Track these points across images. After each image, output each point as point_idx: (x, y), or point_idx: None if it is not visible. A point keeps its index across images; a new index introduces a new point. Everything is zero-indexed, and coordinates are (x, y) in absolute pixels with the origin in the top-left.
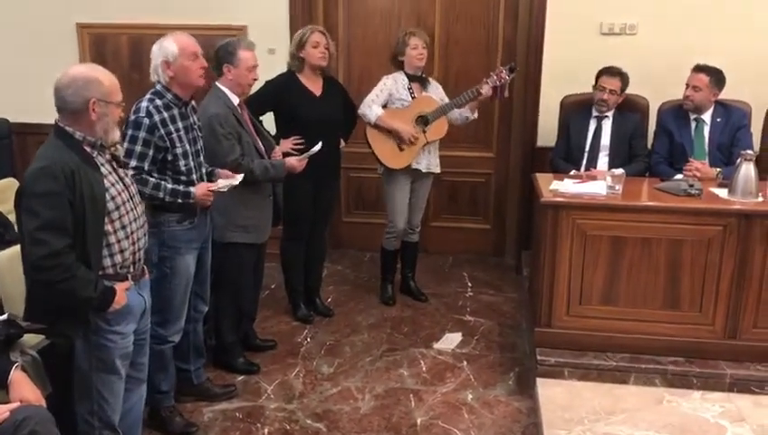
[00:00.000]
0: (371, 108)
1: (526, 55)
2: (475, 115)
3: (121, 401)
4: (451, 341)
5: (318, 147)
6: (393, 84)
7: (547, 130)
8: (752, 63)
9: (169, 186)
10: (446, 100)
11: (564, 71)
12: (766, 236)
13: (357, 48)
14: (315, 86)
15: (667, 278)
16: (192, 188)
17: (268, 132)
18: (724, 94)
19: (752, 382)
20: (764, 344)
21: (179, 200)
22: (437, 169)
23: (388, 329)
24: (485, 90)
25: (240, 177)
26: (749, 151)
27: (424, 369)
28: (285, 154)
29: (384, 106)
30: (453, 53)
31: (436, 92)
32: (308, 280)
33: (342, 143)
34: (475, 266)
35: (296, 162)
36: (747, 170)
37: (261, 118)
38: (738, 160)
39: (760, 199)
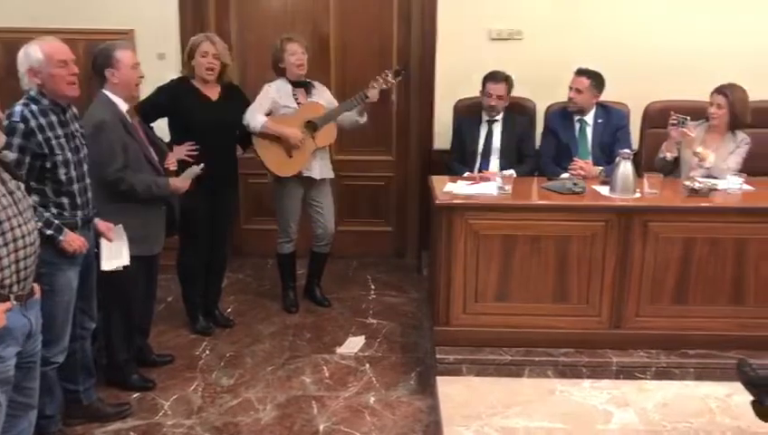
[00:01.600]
0: (255, 116)
1: (420, 60)
2: (365, 119)
3: (2, 428)
4: (354, 344)
5: (198, 168)
6: (276, 92)
7: (443, 133)
8: (629, 67)
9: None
10: (335, 104)
11: (457, 75)
12: (644, 229)
13: (251, 55)
14: (211, 91)
15: (556, 273)
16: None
17: (161, 140)
18: (605, 96)
19: (635, 369)
20: (646, 332)
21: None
22: (331, 175)
23: (291, 336)
24: (372, 94)
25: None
26: (626, 151)
27: (327, 375)
28: (180, 161)
29: (269, 114)
30: (348, 58)
31: (323, 97)
32: (207, 291)
33: (240, 151)
34: (378, 269)
35: (180, 183)
36: (626, 168)
37: (152, 125)
38: (617, 159)
39: (638, 195)
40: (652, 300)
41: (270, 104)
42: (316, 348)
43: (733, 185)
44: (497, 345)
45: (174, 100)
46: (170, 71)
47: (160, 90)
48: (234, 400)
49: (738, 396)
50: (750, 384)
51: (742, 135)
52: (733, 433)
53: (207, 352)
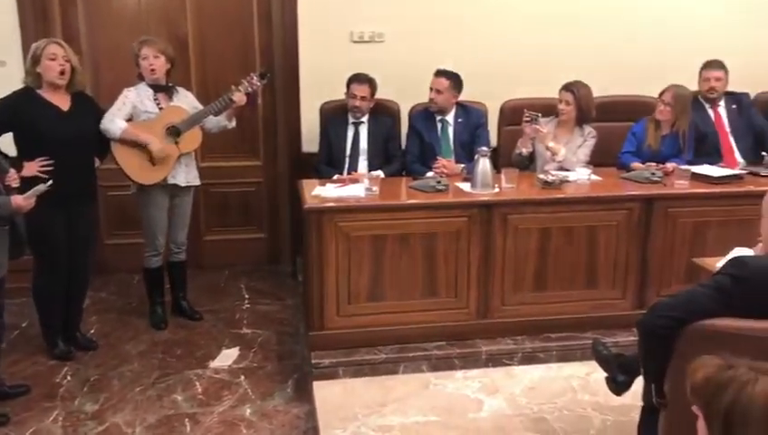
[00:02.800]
0: (113, 121)
1: (283, 61)
2: (233, 123)
3: None
4: (228, 357)
5: (45, 186)
6: (136, 96)
7: (311, 135)
8: (485, 67)
9: None
10: (200, 108)
11: (321, 77)
12: (504, 222)
13: (104, 60)
14: (61, 101)
15: (425, 269)
16: None
17: (3, 156)
18: (464, 96)
19: (504, 356)
20: (512, 320)
21: None
22: (197, 182)
23: (161, 354)
24: (237, 97)
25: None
26: (484, 148)
27: (200, 390)
28: (33, 178)
29: (130, 120)
30: (209, 61)
31: (186, 101)
32: (67, 314)
33: (98, 162)
34: (252, 277)
35: (23, 201)
36: (484, 165)
37: None
38: (476, 157)
39: (496, 190)
40: (515, 289)
41: (130, 109)
42: (188, 364)
43: (582, 176)
44: (372, 345)
45: (19, 113)
46: (12, 80)
47: (1, 101)
48: (99, 426)
49: (596, 374)
50: (604, 362)
51: (588, 129)
52: (592, 408)
53: (69, 378)
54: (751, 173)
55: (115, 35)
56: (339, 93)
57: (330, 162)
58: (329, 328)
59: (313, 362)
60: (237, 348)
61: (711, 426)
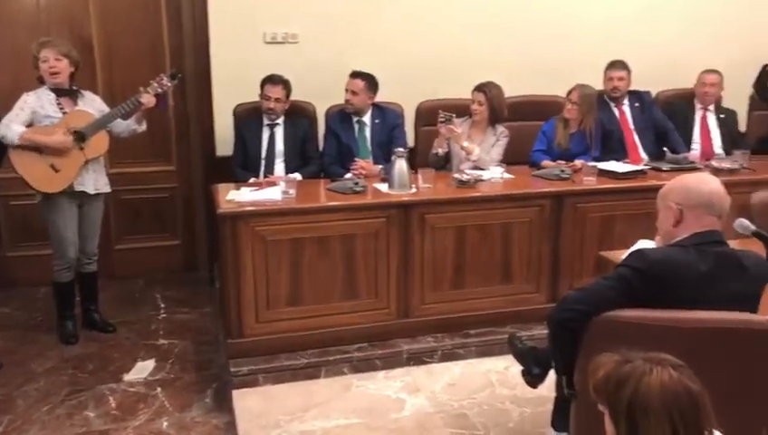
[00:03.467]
0: (10, 127)
1: (194, 63)
2: (143, 126)
3: None
4: (143, 369)
5: None
6: (36, 101)
7: (225, 138)
8: (400, 68)
9: None
10: (106, 111)
11: (234, 79)
12: (422, 222)
13: (1, 63)
14: None
15: (345, 271)
16: None
17: None
18: (381, 97)
19: (424, 354)
20: (432, 318)
21: None
22: (107, 189)
23: (71, 370)
24: (146, 99)
25: None
26: (401, 149)
27: (113, 405)
28: None
29: (30, 126)
30: (116, 63)
31: (93, 105)
32: None
33: None
34: (168, 286)
35: None
36: (401, 166)
37: None
38: (393, 157)
39: (413, 190)
40: (434, 287)
41: (29, 115)
42: (100, 379)
43: (495, 175)
44: (293, 350)
45: None
46: None
47: None
48: None
49: (514, 368)
50: (519, 356)
51: (501, 128)
52: (510, 402)
53: None
54: (653, 168)
55: (11, 37)
56: (253, 95)
57: (245, 165)
58: (247, 335)
59: (232, 370)
60: (153, 359)
61: (617, 421)
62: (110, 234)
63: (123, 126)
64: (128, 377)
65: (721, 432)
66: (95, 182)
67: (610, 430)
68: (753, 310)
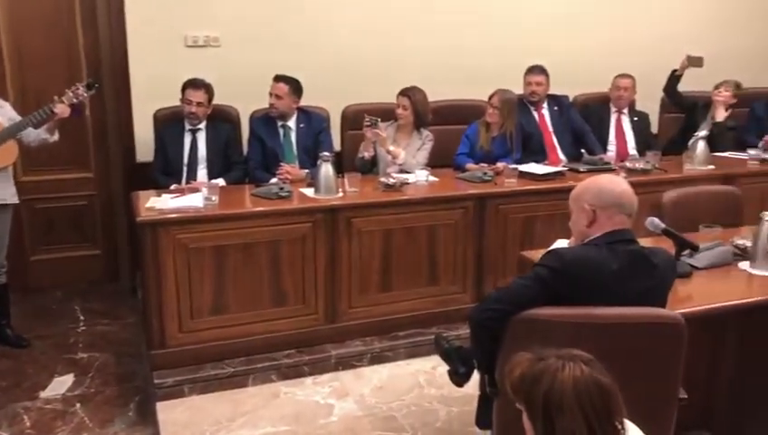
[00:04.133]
0: None
1: (112, 68)
2: (55, 136)
3: None
4: (61, 385)
5: None
6: None
7: (146, 144)
8: (325, 72)
9: None
10: (17, 120)
11: (154, 84)
12: (348, 226)
13: None
14: None
15: (271, 278)
16: None
17: None
18: (307, 101)
19: (353, 358)
20: (360, 322)
21: None
22: (15, 200)
23: None
24: (60, 108)
25: None
26: (326, 153)
27: (29, 424)
28: None
29: None
30: (28, 69)
31: (2, 112)
32: None
33: None
34: (88, 297)
35: None
36: (327, 170)
37: None
38: (319, 162)
39: (340, 194)
40: (362, 291)
41: None
42: (14, 396)
43: (421, 178)
44: (219, 359)
45: None
46: None
47: None
48: None
49: (442, 368)
50: (445, 356)
51: (426, 132)
52: (438, 402)
53: None
54: (571, 170)
55: None
56: (174, 100)
57: (166, 171)
58: (171, 345)
59: (156, 382)
60: (72, 374)
61: (534, 419)
62: (25, 245)
63: (34, 135)
64: (44, 394)
65: (630, 422)
66: (2, 192)
67: (528, 427)
68: (662, 304)
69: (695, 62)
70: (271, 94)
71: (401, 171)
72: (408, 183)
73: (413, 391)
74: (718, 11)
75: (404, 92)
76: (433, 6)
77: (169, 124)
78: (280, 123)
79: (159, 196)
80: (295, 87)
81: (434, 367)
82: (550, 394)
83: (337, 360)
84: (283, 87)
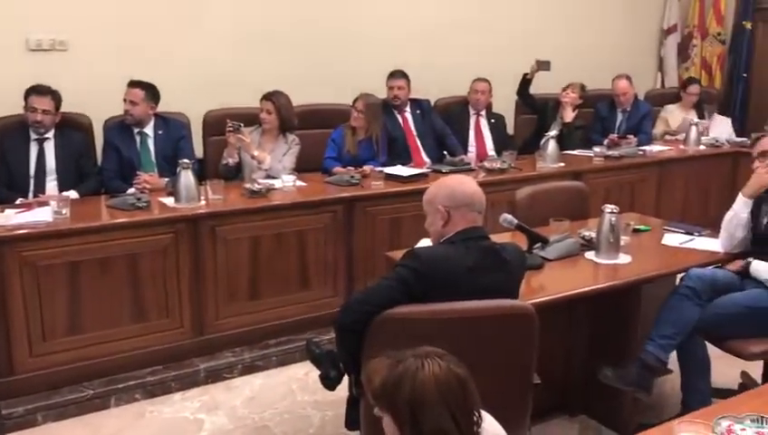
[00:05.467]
0: None
1: None
2: None
3: None
4: None
5: None
6: None
7: None
8: (184, 77)
9: None
10: None
11: None
12: (212, 235)
13: None
14: None
15: (131, 293)
16: None
17: None
18: (165, 107)
19: (223, 370)
20: (229, 332)
21: None
22: None
23: None
24: None
25: None
26: (186, 160)
27: None
28: None
29: None
30: None
31: None
32: None
33: None
34: None
35: None
36: (187, 178)
37: None
38: (179, 169)
39: (203, 203)
40: (230, 301)
41: None
42: None
43: (288, 183)
44: (77, 382)
45: None
46: None
47: None
48: None
49: (315, 373)
50: (316, 361)
51: (292, 136)
52: (311, 407)
53: None
54: (435, 171)
55: None
56: (16, 107)
57: (10, 185)
58: (21, 372)
59: (5, 412)
60: None
61: (401, 423)
62: None
63: None
64: None
65: (484, 411)
66: None
67: (392, 431)
68: (515, 296)
69: (543, 66)
70: (125, 100)
71: (268, 177)
72: (274, 189)
73: (286, 398)
74: (564, 18)
75: (267, 97)
76: (295, 13)
77: (12, 134)
78: (136, 130)
79: (2, 211)
80: (152, 93)
81: (307, 373)
82: (414, 395)
83: (206, 373)
84: (139, 93)
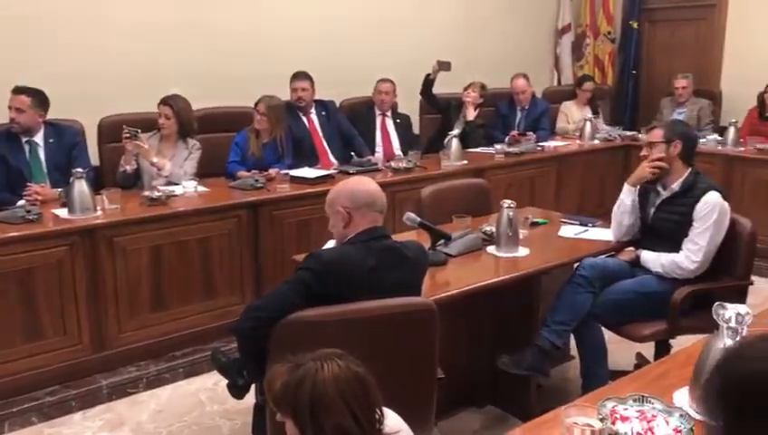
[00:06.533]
0: None
1: None
2: None
3: None
4: None
5: None
6: None
7: None
8: (75, 83)
9: None
10: None
11: None
12: (110, 246)
13: None
14: None
15: (24, 311)
16: None
17: None
18: (55, 114)
19: (127, 385)
20: (132, 346)
21: None
22: None
23: None
24: None
25: None
26: (79, 169)
27: None
28: None
29: None
30: None
31: None
32: None
33: None
34: None
35: None
36: (81, 187)
37: None
38: (72, 179)
39: (99, 213)
40: (132, 313)
41: None
42: None
43: (189, 189)
44: None
45: None
46: None
47: None
48: None
49: (223, 382)
50: (223, 370)
51: (193, 141)
52: (221, 417)
53: None
54: (342, 172)
55: None
56: None
57: None
58: None
59: None
60: None
61: (303, 426)
62: None
63: None
64: None
65: (387, 409)
66: None
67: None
68: (417, 293)
69: (444, 66)
70: (11, 108)
71: (168, 183)
72: (175, 195)
73: (195, 410)
74: (464, 20)
75: (165, 101)
76: (193, 15)
77: None
78: (25, 139)
79: None
80: (40, 99)
81: (215, 383)
82: (314, 396)
83: (109, 389)
84: (25, 99)
